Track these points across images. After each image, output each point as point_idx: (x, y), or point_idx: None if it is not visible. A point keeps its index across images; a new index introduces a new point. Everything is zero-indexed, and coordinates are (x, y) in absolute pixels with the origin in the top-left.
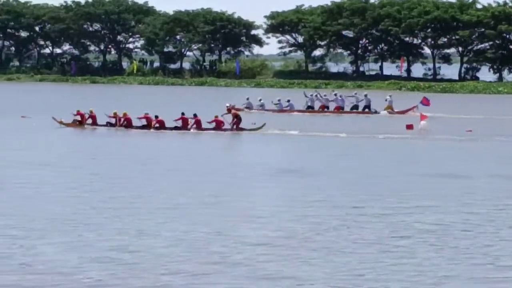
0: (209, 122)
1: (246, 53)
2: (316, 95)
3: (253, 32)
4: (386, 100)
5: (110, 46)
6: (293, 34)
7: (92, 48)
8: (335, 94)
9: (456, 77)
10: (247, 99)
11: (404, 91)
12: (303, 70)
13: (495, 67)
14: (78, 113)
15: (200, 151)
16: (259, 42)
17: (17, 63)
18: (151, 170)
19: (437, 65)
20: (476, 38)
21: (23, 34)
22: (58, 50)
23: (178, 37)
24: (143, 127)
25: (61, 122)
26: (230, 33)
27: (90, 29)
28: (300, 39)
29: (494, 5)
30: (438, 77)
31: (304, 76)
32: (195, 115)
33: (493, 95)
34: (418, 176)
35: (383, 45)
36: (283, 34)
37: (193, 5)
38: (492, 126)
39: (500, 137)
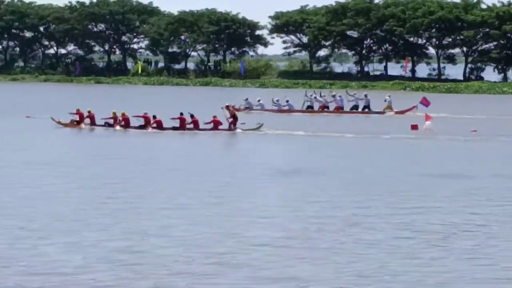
0: (207, 123)
1: (251, 53)
2: (315, 97)
3: (258, 32)
4: (385, 100)
5: (114, 47)
6: (298, 34)
7: (96, 48)
8: (333, 96)
9: (461, 77)
10: (246, 99)
11: (409, 91)
12: (308, 70)
13: (499, 67)
14: (78, 112)
15: (200, 151)
16: (264, 42)
17: (21, 64)
18: (151, 170)
19: (441, 65)
20: (480, 38)
21: (28, 34)
22: (62, 51)
23: (182, 37)
24: (140, 127)
25: (59, 122)
26: (234, 33)
27: (95, 29)
28: (305, 39)
29: (498, 5)
30: (443, 77)
31: (308, 76)
32: (192, 116)
33: (498, 95)
34: (422, 176)
35: (387, 45)
36: (287, 34)
37: (198, 5)
38: (496, 126)
39: (505, 137)
